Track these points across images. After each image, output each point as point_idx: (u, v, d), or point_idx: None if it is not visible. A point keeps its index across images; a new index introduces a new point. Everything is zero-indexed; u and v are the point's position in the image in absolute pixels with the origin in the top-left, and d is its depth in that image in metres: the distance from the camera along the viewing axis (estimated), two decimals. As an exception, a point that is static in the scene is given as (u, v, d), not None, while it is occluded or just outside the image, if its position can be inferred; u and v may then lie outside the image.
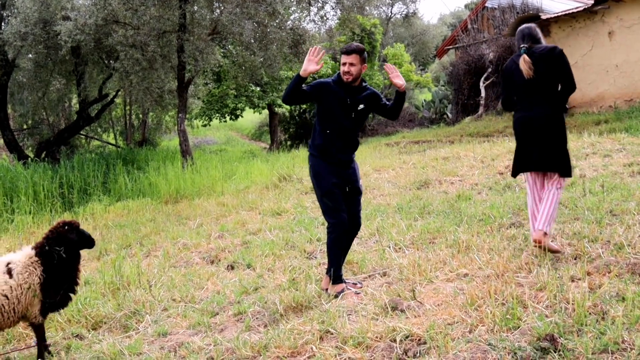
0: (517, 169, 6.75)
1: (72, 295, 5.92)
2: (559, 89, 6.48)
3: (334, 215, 6.21)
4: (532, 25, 6.74)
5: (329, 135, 6.24)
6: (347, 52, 6.18)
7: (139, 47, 16.06)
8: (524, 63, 6.39)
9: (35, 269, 5.52)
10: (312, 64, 6.11)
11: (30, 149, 24.09)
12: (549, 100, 6.45)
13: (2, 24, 18.43)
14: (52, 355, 5.72)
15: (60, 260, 5.64)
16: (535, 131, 6.48)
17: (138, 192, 15.40)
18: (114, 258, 8.73)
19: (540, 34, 6.66)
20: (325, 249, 6.43)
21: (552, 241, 6.49)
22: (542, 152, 6.44)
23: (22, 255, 5.60)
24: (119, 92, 22.49)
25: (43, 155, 20.32)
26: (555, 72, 6.40)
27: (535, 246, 6.36)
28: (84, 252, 9.70)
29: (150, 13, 15.87)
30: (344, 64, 6.18)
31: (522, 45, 6.53)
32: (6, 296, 5.35)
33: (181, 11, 16.65)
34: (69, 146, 24.02)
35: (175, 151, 21.39)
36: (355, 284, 6.35)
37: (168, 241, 9.86)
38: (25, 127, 25.20)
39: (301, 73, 6.06)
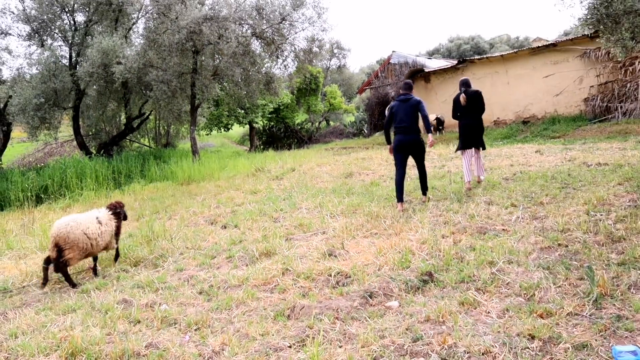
0: (464, 146, 8.21)
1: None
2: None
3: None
4: (468, 78, 8.34)
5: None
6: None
7: (165, 82, 15.83)
8: (462, 98, 8.05)
9: (112, 220, 6.20)
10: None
11: (93, 148, 23.14)
12: (475, 116, 8.13)
13: (77, 66, 17.76)
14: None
15: (123, 219, 6.50)
16: (471, 130, 8.14)
17: (163, 177, 15.12)
18: (147, 220, 8.59)
19: (470, 83, 8.24)
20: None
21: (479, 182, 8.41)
22: (475, 139, 8.17)
23: (103, 212, 6.19)
24: (152, 111, 21.87)
25: (102, 152, 19.71)
26: (478, 102, 8.06)
27: (469, 189, 7.90)
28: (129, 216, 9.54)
29: (174, 60, 15.69)
30: None
31: (462, 89, 8.13)
32: (100, 235, 5.87)
33: (194, 60, 16.50)
34: (119, 146, 23.17)
35: (188, 151, 20.94)
36: None
37: (183, 209, 9.64)
38: (90, 133, 24.19)
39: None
